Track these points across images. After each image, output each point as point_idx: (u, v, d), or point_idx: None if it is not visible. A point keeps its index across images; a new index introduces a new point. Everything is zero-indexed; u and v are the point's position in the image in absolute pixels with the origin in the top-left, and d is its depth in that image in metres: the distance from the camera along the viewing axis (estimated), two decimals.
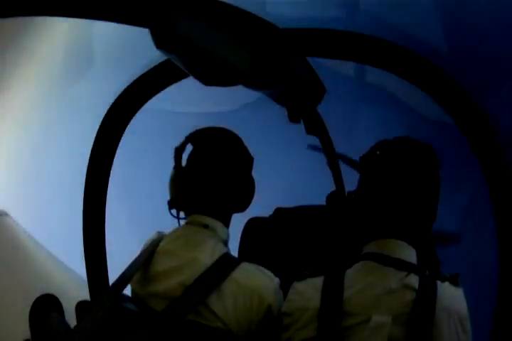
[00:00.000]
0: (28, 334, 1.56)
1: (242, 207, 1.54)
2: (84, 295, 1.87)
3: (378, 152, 1.33)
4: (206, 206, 1.48)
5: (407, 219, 1.26)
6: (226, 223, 1.52)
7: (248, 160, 1.53)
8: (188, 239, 1.44)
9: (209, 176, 1.45)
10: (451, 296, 1.18)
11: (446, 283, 1.22)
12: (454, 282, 1.23)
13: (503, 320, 1.41)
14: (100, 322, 1.30)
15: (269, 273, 1.41)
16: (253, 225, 2.40)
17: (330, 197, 2.40)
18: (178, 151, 1.50)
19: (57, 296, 1.64)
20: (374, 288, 1.18)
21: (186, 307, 1.27)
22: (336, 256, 2.20)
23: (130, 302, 1.43)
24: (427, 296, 1.14)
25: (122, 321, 1.36)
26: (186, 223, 1.50)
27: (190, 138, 1.50)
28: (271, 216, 2.39)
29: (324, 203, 2.42)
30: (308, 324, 1.18)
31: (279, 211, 2.39)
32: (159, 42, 1.00)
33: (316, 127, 1.78)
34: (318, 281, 1.25)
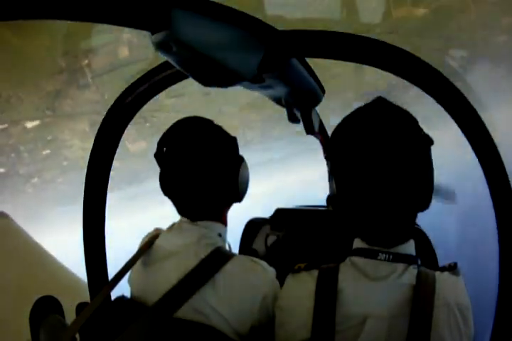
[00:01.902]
0: (28, 336, 1.57)
1: (234, 198, 1.48)
2: (85, 296, 1.87)
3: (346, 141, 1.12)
4: (190, 207, 1.45)
5: (398, 208, 1.12)
6: (219, 218, 1.49)
7: (222, 147, 1.43)
8: (183, 235, 1.44)
9: (181, 179, 1.40)
10: (451, 288, 1.14)
11: (446, 274, 1.18)
12: (454, 272, 1.19)
13: (504, 315, 1.40)
14: (94, 317, 1.30)
15: (263, 264, 1.40)
16: (253, 225, 2.41)
17: (330, 197, 2.41)
18: (156, 157, 1.46)
19: (58, 298, 1.65)
20: (369, 285, 1.14)
21: (178, 301, 1.26)
22: (332, 253, 2.19)
23: (128, 300, 1.44)
24: (425, 293, 1.09)
25: (115, 316, 1.36)
26: (179, 221, 1.51)
27: (160, 143, 1.45)
28: (271, 216, 2.39)
29: (324, 204, 2.43)
30: (302, 326, 1.15)
31: (279, 211, 2.40)
32: (158, 44, 1.00)
33: (315, 128, 1.78)
34: (313, 277, 1.21)
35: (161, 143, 1.44)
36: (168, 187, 1.44)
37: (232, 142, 1.47)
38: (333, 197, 1.20)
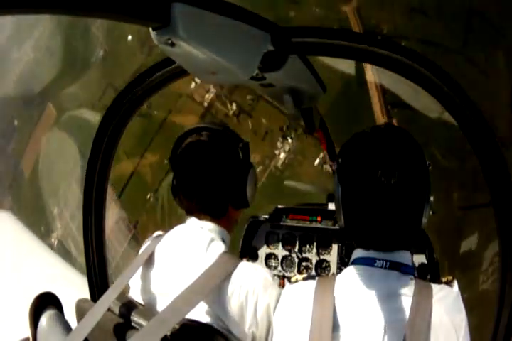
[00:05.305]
0: (27, 332, 1.56)
1: (241, 203, 1.51)
2: (84, 292, 1.87)
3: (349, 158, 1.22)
4: (198, 208, 1.49)
5: (395, 222, 1.18)
6: (223, 222, 1.51)
7: (232, 154, 1.49)
8: (185, 239, 1.45)
9: (192, 182, 1.47)
10: (447, 300, 1.15)
11: (443, 286, 1.19)
12: (451, 284, 1.21)
13: (504, 317, 1.40)
14: (99, 323, 1.31)
15: (267, 273, 1.41)
16: (254, 223, 2.42)
17: (330, 196, 2.41)
18: (170, 161, 1.53)
19: (57, 293, 1.64)
20: (366, 294, 1.15)
21: (183, 309, 1.27)
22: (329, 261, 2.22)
23: (131, 303, 1.44)
24: (423, 305, 1.10)
25: (119, 322, 1.37)
26: (184, 223, 1.52)
27: (175, 147, 1.52)
28: (270, 214, 2.39)
29: (324, 202, 2.42)
30: (300, 333, 1.16)
31: (278, 210, 2.40)
32: (159, 41, 1.00)
33: (316, 125, 1.77)
34: (311, 287, 1.22)
35: (175, 148, 1.50)
36: (181, 188, 1.50)
37: (243, 149, 1.52)
38: (338, 208, 1.24)
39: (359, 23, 9.44)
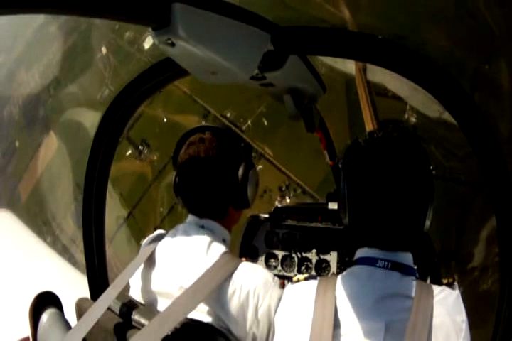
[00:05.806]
0: (27, 331, 1.57)
1: (242, 202, 1.52)
2: (84, 291, 1.87)
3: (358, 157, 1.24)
4: (199, 207, 1.50)
5: (399, 222, 1.20)
6: (224, 222, 1.52)
7: (233, 154, 1.51)
8: (186, 238, 1.45)
9: (194, 180, 1.48)
10: (448, 302, 1.16)
11: (443, 288, 1.20)
12: (451, 286, 1.22)
13: (504, 320, 1.40)
14: (99, 323, 1.31)
15: (268, 274, 1.42)
16: (254, 222, 2.42)
17: (330, 195, 2.41)
18: (173, 160, 1.55)
19: (57, 292, 1.65)
20: (367, 294, 1.16)
21: (185, 309, 1.27)
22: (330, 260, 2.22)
23: (131, 303, 1.44)
24: (423, 305, 1.11)
25: (119, 321, 1.37)
26: (185, 222, 1.52)
27: (178, 146, 1.54)
28: (270, 214, 2.39)
29: (324, 201, 2.42)
30: (301, 333, 1.16)
31: (278, 209, 2.40)
32: (159, 41, 1.00)
33: (316, 125, 1.77)
34: (312, 287, 1.23)
35: (178, 147, 1.52)
36: (182, 186, 1.51)
37: (245, 149, 1.53)
38: (343, 205, 1.25)
39: (363, 81, 9.50)
